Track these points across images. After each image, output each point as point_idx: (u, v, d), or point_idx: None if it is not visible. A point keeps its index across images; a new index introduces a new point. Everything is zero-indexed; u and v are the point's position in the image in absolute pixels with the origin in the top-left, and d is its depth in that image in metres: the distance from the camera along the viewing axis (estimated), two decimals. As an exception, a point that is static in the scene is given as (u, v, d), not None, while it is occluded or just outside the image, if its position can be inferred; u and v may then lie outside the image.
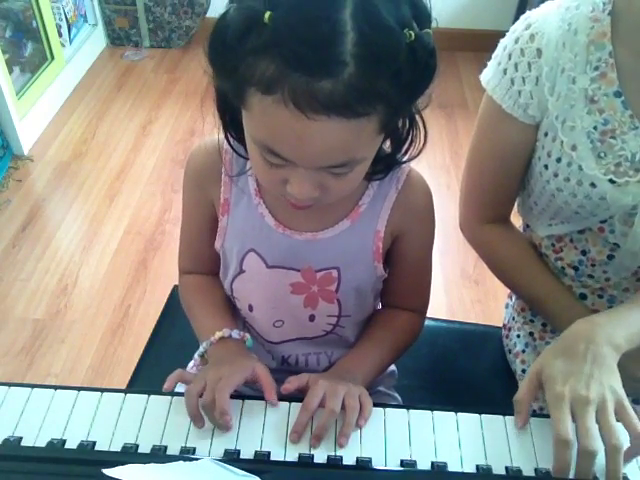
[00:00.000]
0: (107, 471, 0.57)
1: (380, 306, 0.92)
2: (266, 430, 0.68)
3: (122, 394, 0.71)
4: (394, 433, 0.68)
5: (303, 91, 0.53)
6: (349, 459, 0.65)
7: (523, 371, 0.99)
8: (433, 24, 0.59)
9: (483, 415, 0.70)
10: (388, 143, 0.71)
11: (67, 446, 0.65)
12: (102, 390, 0.71)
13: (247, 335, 0.81)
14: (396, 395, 0.95)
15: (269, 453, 0.65)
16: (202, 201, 0.83)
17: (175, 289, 1.16)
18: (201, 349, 0.81)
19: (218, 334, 0.79)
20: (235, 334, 0.80)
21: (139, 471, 0.58)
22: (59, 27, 2.67)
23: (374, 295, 0.87)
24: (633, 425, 0.63)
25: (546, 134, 0.83)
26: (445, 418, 0.70)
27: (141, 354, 1.09)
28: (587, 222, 0.84)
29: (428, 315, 0.92)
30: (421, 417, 0.70)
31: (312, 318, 0.84)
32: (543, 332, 0.98)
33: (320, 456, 0.65)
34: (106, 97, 2.77)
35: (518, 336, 1.02)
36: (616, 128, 0.78)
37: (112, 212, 2.18)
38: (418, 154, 0.72)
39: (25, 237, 2.06)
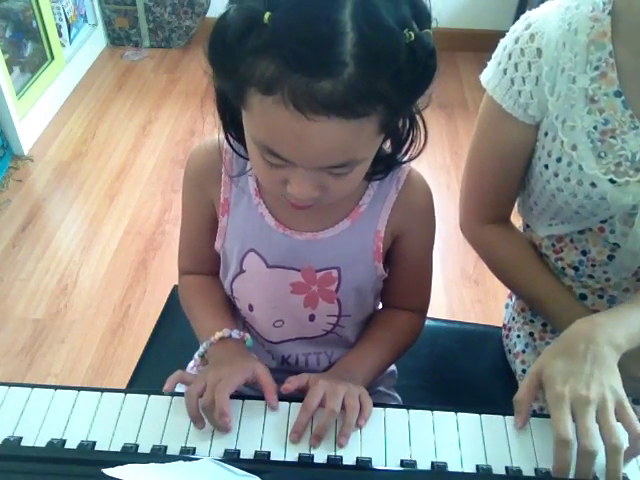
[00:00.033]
0: (107, 471, 0.57)
1: (380, 306, 0.92)
2: (266, 430, 0.68)
3: (122, 394, 0.71)
4: (394, 433, 0.68)
5: (303, 91, 0.53)
6: (349, 459, 0.65)
7: (523, 371, 0.99)
8: (433, 24, 0.59)
9: (483, 415, 0.70)
10: (388, 143, 0.71)
11: (67, 446, 0.65)
12: (102, 390, 0.71)
13: (247, 335, 0.81)
14: (396, 395, 0.95)
15: (269, 453, 0.65)
16: (202, 201, 0.83)
17: (175, 289, 1.16)
18: (201, 349, 0.81)
19: (218, 334, 0.79)
20: (235, 334, 0.80)
21: (139, 471, 0.58)
22: (59, 27, 2.67)
23: (374, 295, 0.87)
24: (633, 425, 0.63)
25: (546, 134, 0.83)
26: (445, 418, 0.70)
27: (141, 354, 1.09)
28: (587, 222, 0.84)
29: (428, 315, 0.92)
30: (421, 417, 0.70)
31: (312, 318, 0.84)
32: (543, 332, 0.98)
33: (320, 456, 0.65)
34: (106, 97, 2.77)
35: (518, 336, 1.02)
36: (616, 128, 0.78)
37: (112, 212, 2.18)
38: (418, 154, 0.72)
39: (25, 237, 2.06)
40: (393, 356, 0.86)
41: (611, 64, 0.77)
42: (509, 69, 0.82)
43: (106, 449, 0.65)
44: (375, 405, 0.71)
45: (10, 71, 2.31)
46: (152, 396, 0.71)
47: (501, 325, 1.11)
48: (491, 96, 0.85)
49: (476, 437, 0.68)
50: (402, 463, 0.65)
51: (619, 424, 0.63)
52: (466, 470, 0.65)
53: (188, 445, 0.66)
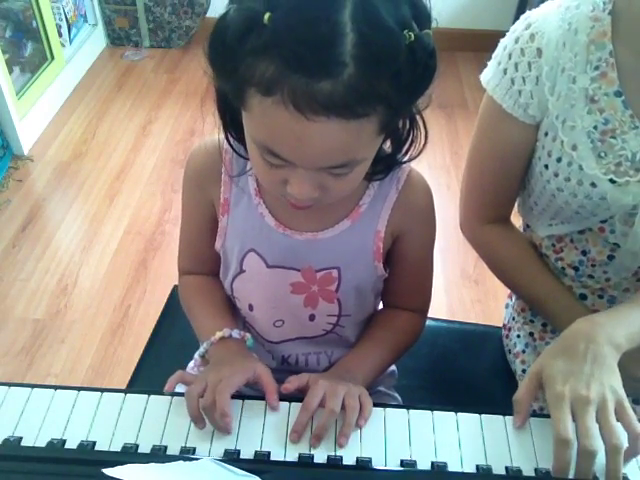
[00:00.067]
0: (107, 471, 0.57)
1: (381, 306, 0.92)
2: (266, 430, 0.68)
3: (122, 394, 0.71)
4: (394, 433, 0.68)
5: (303, 92, 0.53)
6: (349, 459, 0.65)
7: (523, 371, 0.99)
8: (433, 24, 0.59)
9: (483, 415, 0.70)
10: (388, 143, 0.71)
11: (67, 446, 0.65)
12: (102, 390, 0.71)
13: (248, 335, 0.81)
14: (396, 395, 0.95)
15: (269, 453, 0.65)
16: (202, 201, 0.83)
17: (175, 289, 1.16)
18: (202, 349, 0.81)
19: (218, 334, 0.79)
20: (235, 334, 0.80)
21: (139, 471, 0.58)
22: (59, 27, 2.67)
23: (374, 295, 0.87)
24: (633, 425, 0.63)
25: (546, 134, 0.83)
26: (445, 418, 0.70)
27: (141, 354, 1.09)
28: (587, 222, 0.84)
29: (428, 315, 0.92)
30: (421, 417, 0.70)
31: (312, 318, 0.84)
32: (543, 332, 0.98)
33: (320, 456, 0.65)
34: (106, 97, 2.77)
35: (518, 336, 1.02)
36: (616, 128, 0.78)
37: (112, 212, 2.18)
38: (418, 154, 0.72)
39: (25, 237, 2.06)
40: (393, 356, 0.86)
41: (611, 64, 0.77)
42: (509, 69, 0.82)
43: (106, 449, 0.65)
44: (375, 405, 0.71)
45: (10, 71, 2.31)
46: (152, 396, 0.71)
47: (501, 325, 1.11)
48: (491, 96, 0.85)
49: (476, 437, 0.68)
50: (402, 463, 0.65)
51: (619, 424, 0.63)
52: (466, 470, 0.65)
53: (188, 445, 0.66)
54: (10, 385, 0.72)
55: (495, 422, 0.70)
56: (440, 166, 2.41)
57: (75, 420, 0.68)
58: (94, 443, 0.65)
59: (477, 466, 0.65)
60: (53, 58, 2.60)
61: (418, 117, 0.68)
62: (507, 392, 0.71)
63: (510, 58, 0.82)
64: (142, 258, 2.00)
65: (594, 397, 0.63)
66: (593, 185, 0.79)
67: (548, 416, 0.65)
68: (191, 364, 0.94)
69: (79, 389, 0.71)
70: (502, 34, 0.85)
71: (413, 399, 0.96)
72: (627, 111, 0.77)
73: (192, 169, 0.83)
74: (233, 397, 0.68)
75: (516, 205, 0.98)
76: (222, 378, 0.69)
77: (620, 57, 0.77)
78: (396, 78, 0.55)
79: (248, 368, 0.72)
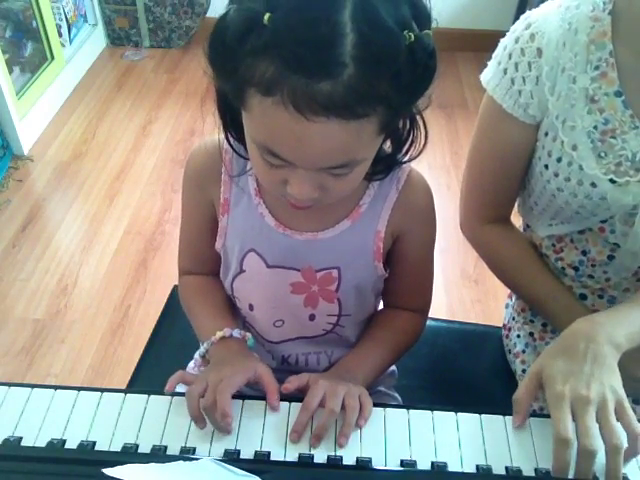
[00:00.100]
0: (107, 471, 0.57)
1: (382, 306, 0.92)
2: (266, 430, 0.68)
3: (122, 394, 0.71)
4: (394, 433, 0.68)
5: (302, 93, 0.53)
6: (349, 459, 0.65)
7: (523, 371, 0.99)
8: (433, 24, 0.59)
9: (483, 415, 0.70)
10: (388, 143, 0.71)
11: (67, 446, 0.65)
12: (102, 390, 0.71)
13: (248, 334, 0.81)
14: (396, 395, 0.95)
15: (269, 453, 0.65)
16: (202, 201, 0.83)
17: (175, 289, 1.16)
18: (202, 349, 0.81)
19: (219, 334, 0.79)
20: (236, 333, 0.80)
21: (139, 471, 0.58)
22: (59, 27, 2.67)
23: (375, 294, 0.87)
24: (632, 425, 0.63)
25: (546, 134, 0.83)
26: (445, 418, 0.70)
27: (141, 354, 1.09)
28: (587, 222, 0.84)
29: (428, 315, 0.92)
30: (421, 417, 0.70)
31: (312, 317, 0.84)
32: (543, 332, 0.98)
33: (320, 456, 0.65)
34: (106, 97, 2.77)
35: (518, 336, 1.02)
36: (616, 128, 0.78)
37: (112, 212, 2.18)
38: (418, 154, 0.72)
39: (25, 237, 2.06)
40: (394, 356, 0.86)
41: (611, 64, 0.77)
42: (509, 69, 0.82)
43: (106, 449, 0.65)
44: (375, 405, 0.71)
45: (10, 71, 2.31)
46: (152, 396, 0.71)
47: (501, 325, 1.11)
48: (491, 96, 0.85)
49: (476, 437, 0.68)
50: (402, 463, 0.65)
51: (619, 424, 0.63)
52: (466, 470, 0.65)
53: (188, 445, 0.66)
54: (10, 385, 0.72)
55: (495, 422, 0.70)
56: (440, 166, 2.41)
57: (75, 420, 0.68)
58: (94, 443, 0.65)
59: (477, 466, 0.65)
60: (53, 58, 2.60)
61: (418, 117, 0.68)
62: (507, 392, 0.71)
63: (510, 58, 0.82)
64: (142, 258, 2.00)
65: (594, 397, 0.63)
66: (593, 185, 0.79)
67: (548, 416, 0.65)
68: (191, 364, 0.94)
69: (79, 389, 0.71)
70: (502, 34, 0.85)
71: (413, 399, 0.96)
72: (627, 111, 0.77)
73: (192, 169, 0.83)
74: (233, 397, 0.68)
75: (516, 205, 0.98)
76: (223, 378, 0.69)
77: (620, 57, 0.77)
78: (396, 78, 0.55)
79: (249, 368, 0.72)
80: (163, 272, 1.94)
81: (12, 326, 1.77)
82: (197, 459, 0.61)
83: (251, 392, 0.77)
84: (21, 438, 0.65)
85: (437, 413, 0.70)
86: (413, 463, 0.64)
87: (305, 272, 0.80)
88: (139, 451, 0.65)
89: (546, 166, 0.84)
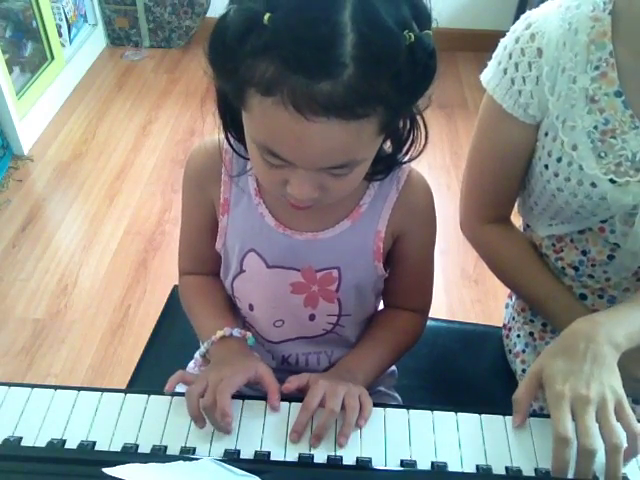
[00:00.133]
0: (107, 470, 0.57)
1: (382, 306, 0.92)
2: (266, 430, 0.68)
3: (122, 394, 0.71)
4: (394, 433, 0.68)
5: (302, 93, 0.53)
6: (349, 459, 0.65)
7: (523, 371, 0.99)
8: (433, 24, 0.59)
9: (483, 415, 0.70)
10: (389, 143, 0.71)
11: (67, 446, 0.65)
12: (102, 390, 0.71)
13: (248, 333, 0.81)
14: (396, 395, 0.95)
15: (269, 453, 0.65)
16: (202, 201, 0.83)
17: (175, 289, 1.16)
18: (202, 349, 0.81)
19: (219, 333, 0.79)
20: (236, 332, 0.80)
21: (139, 471, 0.58)
22: (59, 27, 2.67)
23: (375, 294, 0.87)
24: (632, 425, 0.63)
25: (546, 134, 0.83)
26: (445, 418, 0.70)
27: (141, 354, 1.09)
28: (587, 222, 0.84)
29: (428, 315, 0.92)
30: (421, 417, 0.70)
31: (312, 317, 0.84)
32: (543, 332, 0.98)
33: (320, 456, 0.65)
34: (106, 97, 2.77)
35: (518, 336, 1.03)
36: (617, 128, 0.78)
37: (112, 212, 2.18)
38: (419, 154, 0.72)
39: (25, 237, 2.06)
40: (394, 356, 0.86)
41: (611, 64, 0.77)
42: (509, 69, 0.82)
43: (106, 449, 0.65)
44: (375, 405, 0.71)
45: (10, 71, 2.31)
46: (152, 396, 0.71)
47: (501, 325, 1.11)
48: (491, 96, 0.85)
49: (476, 437, 0.68)
50: (402, 463, 0.65)
51: (618, 424, 0.63)
52: (466, 470, 0.65)
53: (188, 445, 0.66)
54: (10, 385, 0.72)
55: (495, 422, 0.70)
56: (440, 166, 2.41)
57: (75, 420, 0.68)
58: (94, 443, 0.65)
59: (477, 466, 0.65)
60: (53, 58, 2.60)
61: (418, 117, 0.68)
62: (507, 392, 0.71)
63: (510, 58, 0.82)
64: (142, 258, 2.00)
65: (594, 396, 0.63)
66: (593, 185, 0.79)
67: (548, 416, 0.65)
68: (191, 364, 0.94)
69: (79, 389, 0.71)
70: (502, 34, 0.85)
71: (413, 399, 0.96)
72: (627, 111, 0.77)
73: (192, 169, 0.83)
74: (233, 397, 0.68)
75: (516, 205, 0.98)
76: (223, 378, 0.69)
77: (620, 57, 0.77)
78: (396, 79, 0.55)
79: (249, 367, 0.72)
80: (163, 272, 1.94)
81: (12, 326, 1.77)
82: (197, 459, 0.61)
83: (251, 392, 0.77)
84: (21, 438, 0.65)
85: (437, 413, 0.70)
86: (413, 463, 0.64)
87: (305, 272, 0.80)
88: (139, 451, 0.65)
89: (546, 166, 0.84)
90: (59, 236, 2.08)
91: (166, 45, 3.10)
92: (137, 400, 0.70)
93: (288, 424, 0.68)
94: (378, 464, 0.65)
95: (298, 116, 0.54)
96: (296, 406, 0.69)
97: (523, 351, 1.01)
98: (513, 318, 1.05)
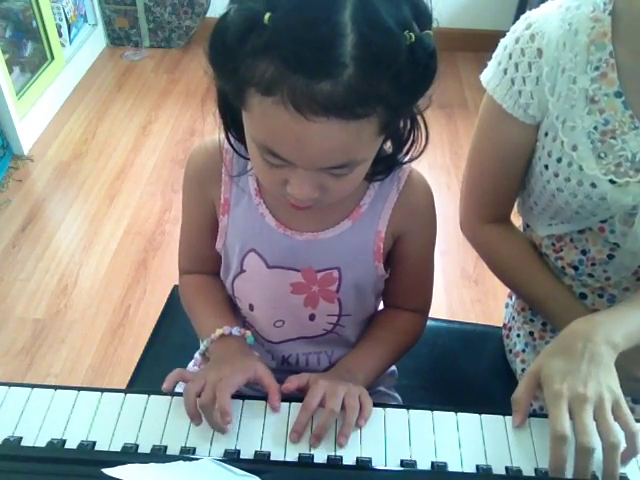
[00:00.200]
0: (107, 471, 0.57)
1: (382, 306, 0.92)
2: (266, 430, 0.68)
3: (122, 394, 0.71)
4: (394, 433, 0.68)
5: (302, 93, 0.53)
6: (349, 459, 0.65)
7: (523, 371, 0.99)
8: (433, 24, 0.59)
9: (483, 415, 0.70)
10: (389, 143, 0.71)
11: (67, 446, 0.65)
12: (102, 390, 0.71)
13: (248, 332, 0.81)
14: (396, 395, 0.95)
15: (269, 453, 0.65)
16: (202, 201, 0.83)
17: (175, 289, 1.16)
18: (202, 347, 0.81)
19: (219, 331, 0.79)
20: (236, 331, 0.80)
21: (139, 471, 0.58)
22: (59, 27, 2.67)
23: (375, 295, 0.87)
24: (629, 424, 0.63)
25: (546, 134, 0.83)
26: (445, 418, 0.70)
27: (141, 354, 1.09)
28: (587, 222, 0.84)
29: (428, 315, 0.92)
30: (421, 417, 0.70)
31: (312, 317, 0.84)
32: (543, 332, 0.98)
33: (320, 456, 0.65)
34: (106, 97, 2.77)
35: (518, 336, 1.03)
36: (616, 128, 0.78)
37: (112, 212, 2.18)
38: (419, 155, 0.72)
39: (25, 237, 2.06)
40: (394, 356, 0.86)
41: (611, 64, 0.77)
42: (509, 69, 0.82)
43: (106, 449, 0.65)
44: (375, 405, 0.71)
45: (10, 71, 2.31)
46: (152, 396, 0.71)
47: (501, 325, 1.11)
48: (491, 96, 0.85)
49: (476, 437, 0.68)
50: (402, 463, 0.65)
51: (616, 422, 0.63)
52: (466, 470, 0.65)
53: (188, 445, 0.66)
54: (10, 385, 0.72)
55: (495, 422, 0.70)
56: (440, 166, 2.41)
57: (75, 420, 0.68)
58: (94, 443, 0.65)
59: (477, 466, 0.65)
60: (53, 58, 2.60)
61: (419, 117, 0.68)
62: (507, 392, 0.71)
63: (510, 58, 0.82)
64: (142, 258, 2.00)
65: (591, 395, 0.63)
66: (593, 185, 0.79)
67: (548, 416, 0.65)
68: (191, 364, 0.94)
69: (79, 389, 0.71)
70: (502, 34, 0.85)
71: (413, 399, 0.96)
72: (627, 112, 0.77)
73: (192, 169, 0.83)
74: (233, 397, 0.68)
75: (516, 205, 0.98)
76: (222, 377, 0.69)
77: (620, 58, 0.77)
78: (396, 79, 0.55)
79: (248, 367, 0.72)
80: (163, 272, 1.94)
81: (12, 326, 1.77)
82: (197, 459, 0.61)
83: (251, 392, 0.77)
84: (21, 438, 0.65)
85: (437, 413, 0.70)
86: (413, 463, 0.64)
87: (305, 272, 0.80)
88: (139, 451, 0.65)
89: (546, 166, 0.84)
90: (59, 236, 2.08)
91: (166, 45, 3.10)
92: (137, 400, 0.70)
93: (288, 424, 0.68)
94: (378, 464, 0.65)
95: (298, 116, 0.54)
96: (296, 406, 0.69)
97: (523, 351, 1.01)
98: (513, 318, 1.05)
